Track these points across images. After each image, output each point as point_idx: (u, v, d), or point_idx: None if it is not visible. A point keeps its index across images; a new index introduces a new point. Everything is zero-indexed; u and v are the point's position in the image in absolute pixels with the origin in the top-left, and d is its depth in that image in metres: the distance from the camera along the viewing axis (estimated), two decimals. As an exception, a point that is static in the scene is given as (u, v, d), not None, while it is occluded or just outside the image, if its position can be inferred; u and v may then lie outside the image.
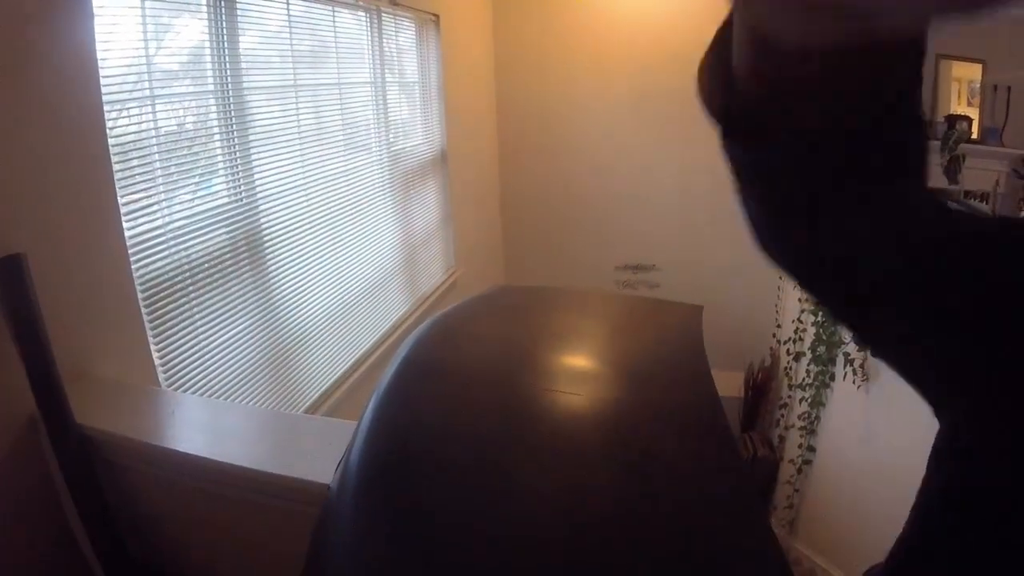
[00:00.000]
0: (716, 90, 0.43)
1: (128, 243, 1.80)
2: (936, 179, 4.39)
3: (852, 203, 0.42)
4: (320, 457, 1.47)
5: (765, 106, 0.39)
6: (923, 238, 0.46)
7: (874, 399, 3.02)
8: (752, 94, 0.38)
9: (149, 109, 1.90)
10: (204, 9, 2.12)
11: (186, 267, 2.04)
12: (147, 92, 1.89)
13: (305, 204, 2.74)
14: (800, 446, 4.06)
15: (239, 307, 2.31)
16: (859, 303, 0.50)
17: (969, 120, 4.69)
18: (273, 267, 2.52)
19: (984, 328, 0.47)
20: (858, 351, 3.08)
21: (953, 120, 4.51)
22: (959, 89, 4.82)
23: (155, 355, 1.91)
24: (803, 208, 0.44)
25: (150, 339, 1.89)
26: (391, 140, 3.59)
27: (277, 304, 2.55)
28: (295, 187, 2.66)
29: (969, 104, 4.79)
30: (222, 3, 2.17)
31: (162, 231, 1.94)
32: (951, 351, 0.49)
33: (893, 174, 0.42)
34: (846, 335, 3.35)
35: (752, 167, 0.46)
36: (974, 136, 4.72)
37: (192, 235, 2.07)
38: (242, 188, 2.33)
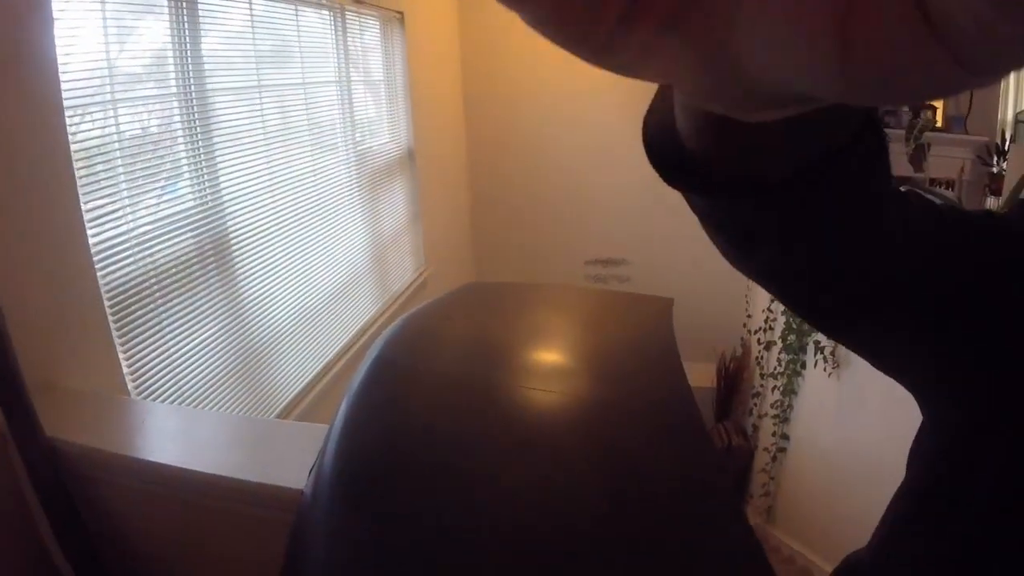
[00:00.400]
0: (662, 147, 0.40)
1: (93, 250, 1.77)
2: (902, 167, 4.46)
3: (824, 224, 0.41)
4: (293, 462, 1.46)
5: (720, 164, 0.36)
6: (909, 235, 0.46)
7: (845, 385, 3.07)
8: (703, 154, 0.35)
9: (112, 113, 1.87)
10: (166, 10, 2.09)
11: (153, 273, 2.01)
12: (109, 96, 1.86)
13: (272, 206, 2.71)
14: (774, 434, 4.11)
15: (208, 313, 2.29)
16: (842, 313, 0.50)
17: (934, 109, 4.77)
18: (241, 271, 2.49)
19: (982, 322, 0.48)
20: (827, 339, 3.13)
21: (918, 109, 4.59)
22: (924, 79, 4.91)
23: (124, 364, 1.88)
24: (773, 236, 0.41)
25: (118, 347, 1.86)
26: (358, 139, 3.57)
27: (246, 308, 2.53)
28: (261, 189, 2.63)
29: (934, 94, 4.88)
30: (183, 4, 2.14)
31: (127, 237, 1.91)
32: (949, 349, 0.50)
33: (864, 184, 0.39)
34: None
35: (710, 208, 0.42)
36: (939, 125, 4.81)
37: (158, 240, 2.03)
38: (208, 191, 2.30)
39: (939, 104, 4.77)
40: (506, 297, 2.40)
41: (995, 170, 4.53)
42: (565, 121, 5.45)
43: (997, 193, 4.41)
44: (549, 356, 1.86)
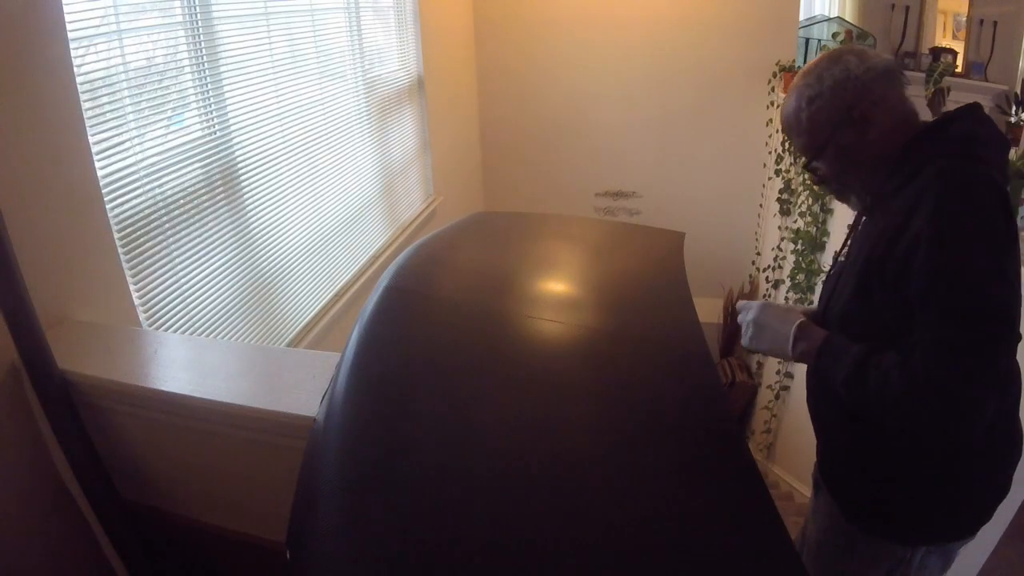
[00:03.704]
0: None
1: (101, 183, 1.77)
2: (920, 111, 4.37)
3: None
4: (305, 390, 1.48)
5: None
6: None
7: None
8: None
9: (117, 44, 1.84)
10: (168, -65, 2.03)
11: (161, 205, 2.01)
12: (114, 27, 1.83)
13: (280, 135, 2.69)
14: (778, 372, 4.14)
15: (217, 243, 2.29)
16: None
17: (954, 53, 4.64)
18: (250, 201, 2.49)
19: None
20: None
21: (938, 53, 4.46)
22: (944, 22, 4.76)
23: (134, 295, 1.90)
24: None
25: (128, 280, 1.88)
26: (366, 67, 3.51)
27: (255, 238, 2.53)
28: (269, 118, 2.60)
29: (954, 37, 4.73)
30: (187, -72, 2.08)
31: (135, 169, 1.90)
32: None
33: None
34: (825, 263, 3.38)
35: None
36: (958, 70, 4.68)
37: (166, 172, 2.03)
38: (215, 121, 2.28)
39: (960, 49, 4.64)
40: (515, 227, 2.39)
41: (1013, 119, 4.42)
42: (579, 50, 5.34)
43: (1015, 143, 4.31)
44: (558, 286, 1.87)
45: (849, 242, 1.37)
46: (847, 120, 1.23)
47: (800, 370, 3.94)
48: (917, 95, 4.31)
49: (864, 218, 1.34)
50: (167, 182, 2.03)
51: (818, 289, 3.50)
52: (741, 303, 1.40)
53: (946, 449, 1.23)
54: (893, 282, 1.12)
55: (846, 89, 1.22)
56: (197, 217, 2.18)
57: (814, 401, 1.45)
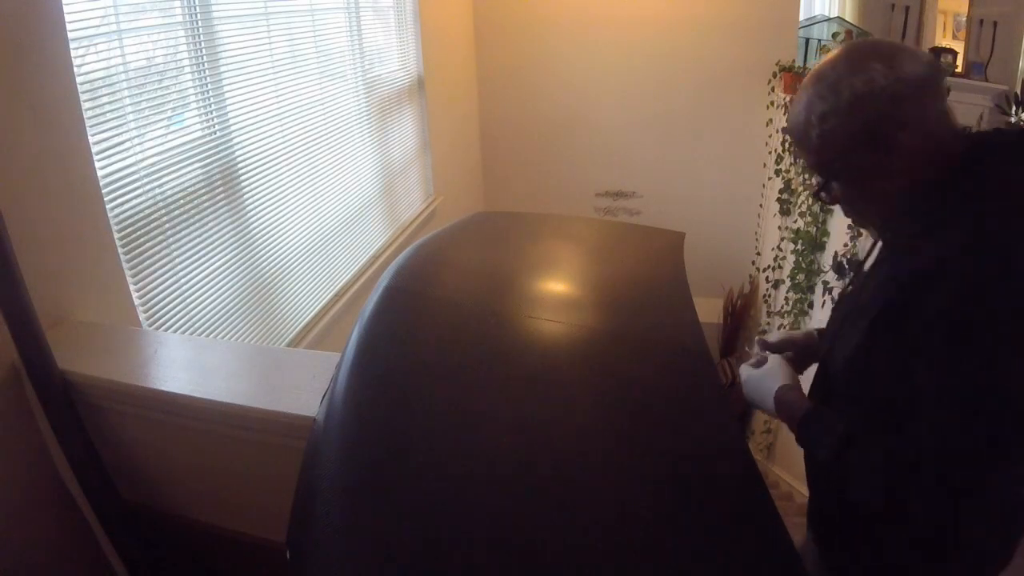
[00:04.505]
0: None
1: (101, 183, 1.77)
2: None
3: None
4: (305, 390, 1.48)
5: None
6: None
7: (850, 326, 3.07)
8: None
9: (117, 44, 1.84)
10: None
11: (161, 205, 2.01)
12: (114, 27, 1.83)
13: (280, 135, 2.69)
14: (776, 370, 4.12)
15: (217, 243, 2.29)
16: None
17: (954, 53, 4.65)
18: (250, 201, 2.49)
19: None
20: (837, 280, 3.11)
21: (938, 53, 4.47)
22: (944, 22, 4.77)
23: (135, 295, 1.90)
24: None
25: (129, 280, 1.88)
26: (366, 67, 3.51)
27: (255, 238, 2.53)
28: (269, 118, 2.60)
29: (954, 37, 4.75)
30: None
31: (135, 169, 1.90)
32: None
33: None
34: (825, 263, 3.38)
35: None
36: (958, 70, 4.69)
37: (166, 171, 2.03)
38: (215, 121, 2.28)
39: (960, 48, 4.65)
40: (515, 227, 2.39)
41: (1013, 119, 4.42)
42: (579, 50, 5.34)
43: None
44: (558, 286, 1.87)
45: (865, 270, 1.19)
46: (867, 143, 1.01)
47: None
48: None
49: (882, 247, 1.15)
50: (167, 182, 2.03)
51: (818, 290, 3.50)
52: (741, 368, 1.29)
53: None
54: (901, 364, 0.96)
55: (868, 106, 0.98)
56: (197, 217, 2.18)
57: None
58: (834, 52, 1.05)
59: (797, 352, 1.33)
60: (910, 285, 0.95)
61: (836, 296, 3.14)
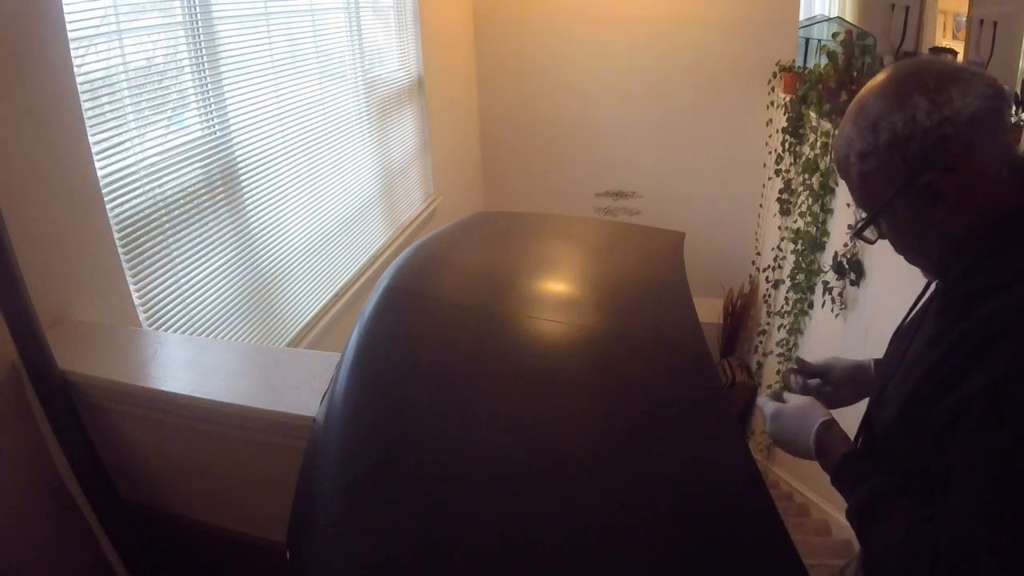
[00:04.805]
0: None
1: (101, 183, 1.77)
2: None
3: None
4: (305, 390, 1.48)
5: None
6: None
7: (851, 327, 3.07)
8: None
9: (117, 44, 1.85)
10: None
11: (161, 205, 2.01)
12: (114, 27, 1.83)
13: (280, 135, 2.69)
14: (778, 372, 4.13)
15: (217, 243, 2.29)
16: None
17: (954, 53, 4.64)
18: (250, 201, 2.49)
19: None
20: (837, 280, 3.11)
21: (938, 52, 4.46)
22: (944, 22, 4.77)
23: (135, 295, 1.90)
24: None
25: (129, 280, 1.88)
26: (366, 67, 3.51)
27: (255, 238, 2.53)
28: (269, 118, 2.60)
29: (954, 38, 4.74)
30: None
31: (135, 169, 1.90)
32: None
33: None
34: (825, 263, 3.38)
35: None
36: (959, 70, 4.69)
37: (166, 172, 2.03)
38: (215, 121, 2.28)
39: (960, 49, 4.65)
40: (515, 227, 2.39)
41: (1014, 119, 4.43)
42: (579, 50, 5.34)
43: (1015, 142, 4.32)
44: (558, 286, 1.87)
45: (915, 310, 1.07)
46: (909, 189, 0.89)
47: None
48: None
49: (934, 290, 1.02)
50: (167, 182, 2.03)
51: (818, 290, 3.50)
52: (761, 401, 1.18)
53: None
54: (934, 440, 0.87)
55: (908, 148, 0.87)
56: (197, 217, 2.18)
57: None
58: (880, 75, 0.94)
59: (845, 382, 1.22)
60: (959, 350, 0.85)
61: (836, 297, 3.14)
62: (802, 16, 5.09)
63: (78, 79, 1.69)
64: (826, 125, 3.40)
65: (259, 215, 2.55)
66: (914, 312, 1.07)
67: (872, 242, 1.04)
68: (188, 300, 2.14)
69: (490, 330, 1.55)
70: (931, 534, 0.83)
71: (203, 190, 2.21)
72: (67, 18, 1.64)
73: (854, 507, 0.96)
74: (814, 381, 1.24)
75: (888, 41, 4.83)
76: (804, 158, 3.81)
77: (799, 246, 3.73)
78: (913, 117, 0.86)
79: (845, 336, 3.14)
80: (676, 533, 1.06)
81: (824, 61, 3.46)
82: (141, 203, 1.93)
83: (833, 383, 1.23)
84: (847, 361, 1.25)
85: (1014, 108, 4.38)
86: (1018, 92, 4.42)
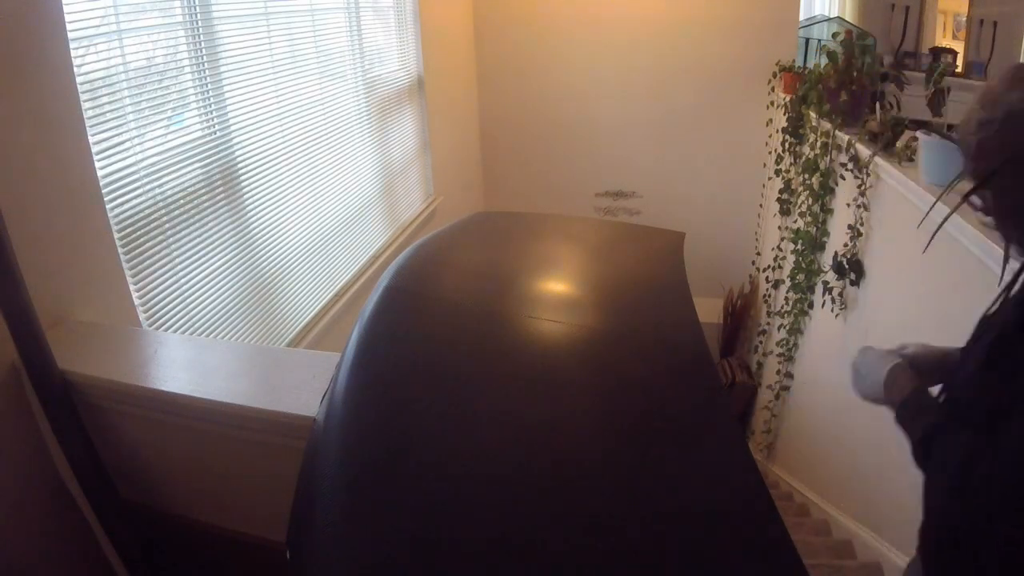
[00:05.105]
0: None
1: (101, 183, 1.77)
2: (919, 111, 4.39)
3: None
4: (305, 390, 1.48)
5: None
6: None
7: (851, 328, 3.07)
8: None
9: (117, 44, 1.85)
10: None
11: (161, 205, 2.01)
12: (114, 27, 1.83)
13: (280, 135, 2.69)
14: (778, 372, 4.14)
15: (217, 243, 2.29)
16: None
17: (954, 53, 4.65)
18: (250, 201, 2.49)
19: None
20: (837, 280, 3.11)
21: (938, 53, 4.46)
22: (944, 22, 4.78)
23: (135, 295, 1.90)
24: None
25: (129, 279, 1.88)
26: (366, 67, 3.51)
27: (255, 238, 2.53)
28: (269, 118, 2.60)
29: (955, 37, 4.75)
30: (187, -72, 2.08)
31: (135, 169, 1.90)
32: None
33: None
34: (825, 263, 3.38)
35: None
36: (959, 70, 4.69)
37: (166, 172, 2.03)
38: (215, 121, 2.28)
39: (960, 49, 4.65)
40: (515, 227, 2.39)
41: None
42: (579, 50, 5.34)
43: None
44: (558, 286, 1.86)
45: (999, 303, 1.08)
46: (1017, 163, 0.95)
47: (801, 370, 3.94)
48: (917, 95, 4.32)
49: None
50: (167, 182, 2.03)
51: (818, 289, 3.50)
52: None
53: None
54: (1012, 371, 0.90)
55: (1019, 125, 0.94)
56: (197, 217, 2.18)
57: None
58: (1009, 65, 1.03)
59: (932, 365, 1.26)
60: None
61: (836, 297, 3.14)
62: (802, 16, 5.09)
63: (78, 79, 1.68)
64: (826, 125, 3.39)
65: (259, 215, 2.55)
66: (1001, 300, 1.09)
67: (977, 208, 1.07)
68: (188, 300, 2.14)
69: (490, 330, 1.55)
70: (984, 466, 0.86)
71: (203, 190, 2.21)
72: (67, 18, 1.64)
73: (915, 441, 1.02)
74: None
75: (888, 41, 4.83)
76: (804, 158, 3.80)
77: (799, 246, 3.73)
78: None
79: (845, 336, 3.14)
80: (676, 533, 1.06)
81: (824, 61, 3.45)
82: (141, 203, 1.93)
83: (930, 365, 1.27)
84: (940, 348, 1.29)
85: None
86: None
